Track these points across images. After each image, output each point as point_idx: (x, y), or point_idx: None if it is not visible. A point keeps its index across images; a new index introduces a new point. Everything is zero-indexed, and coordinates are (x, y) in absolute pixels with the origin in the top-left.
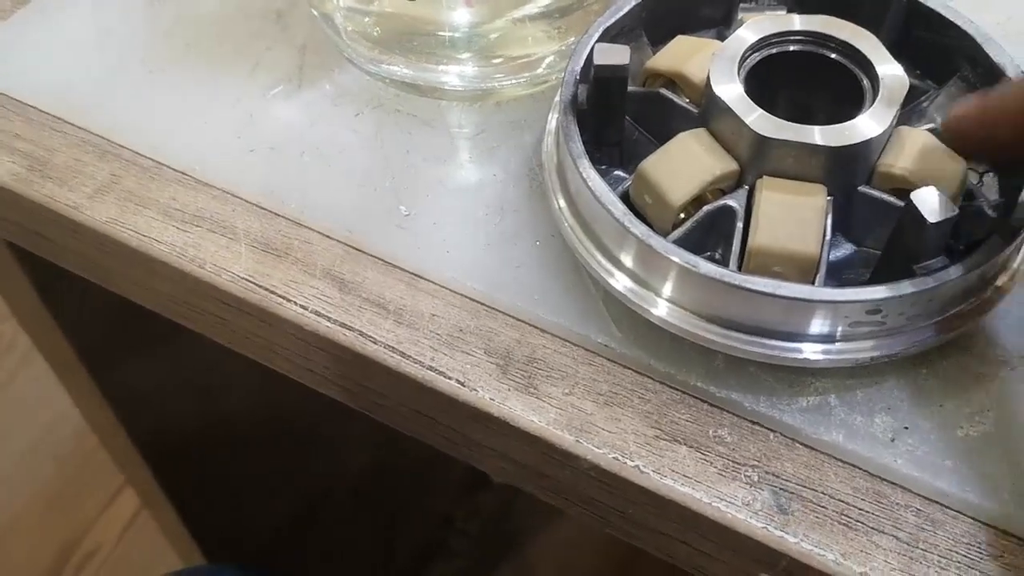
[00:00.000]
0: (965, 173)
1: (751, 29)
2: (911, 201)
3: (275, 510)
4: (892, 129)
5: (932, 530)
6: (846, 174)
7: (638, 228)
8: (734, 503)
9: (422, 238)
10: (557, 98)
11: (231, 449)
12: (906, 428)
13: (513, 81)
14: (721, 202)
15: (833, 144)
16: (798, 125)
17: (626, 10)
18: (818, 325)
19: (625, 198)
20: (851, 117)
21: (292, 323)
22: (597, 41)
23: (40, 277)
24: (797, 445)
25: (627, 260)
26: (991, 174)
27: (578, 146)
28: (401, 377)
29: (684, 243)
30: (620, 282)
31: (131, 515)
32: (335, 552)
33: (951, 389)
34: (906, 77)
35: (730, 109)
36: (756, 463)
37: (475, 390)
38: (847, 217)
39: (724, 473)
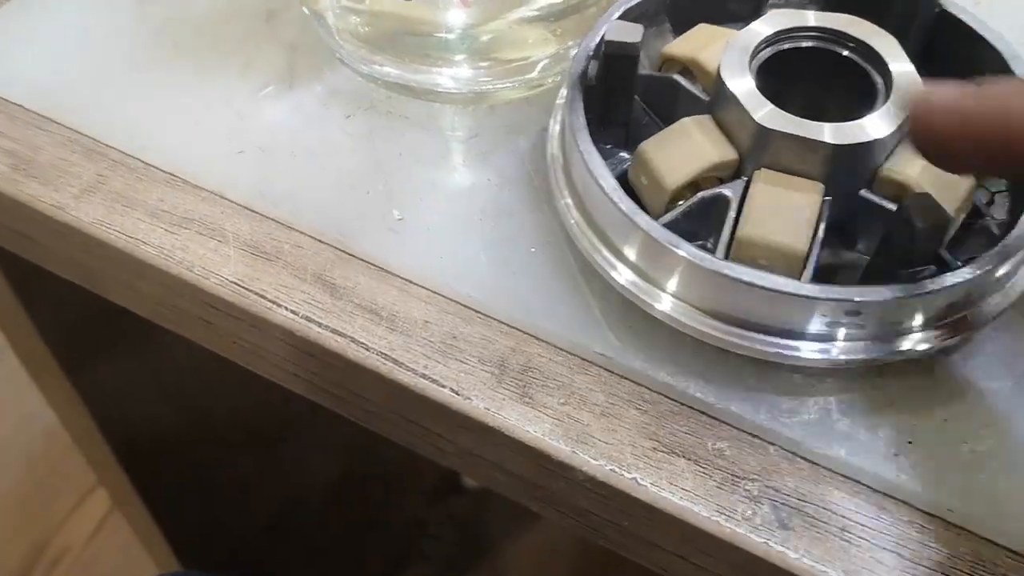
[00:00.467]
0: (972, 188)
1: (767, 22)
2: (904, 205)
3: (249, 513)
4: (902, 134)
5: (936, 547)
6: (847, 175)
7: (626, 204)
8: (733, 517)
9: (415, 243)
10: (558, 100)
11: (205, 451)
12: (909, 443)
13: (508, 84)
14: (716, 190)
15: (833, 141)
16: (801, 119)
17: None
18: (801, 322)
19: (625, 180)
20: (861, 116)
21: (282, 328)
22: (617, 19)
23: (16, 275)
24: (798, 459)
25: (619, 241)
26: (1005, 193)
27: (580, 119)
28: (394, 385)
29: (675, 227)
30: (622, 274)
31: (102, 516)
32: (308, 556)
33: (955, 403)
34: (919, 78)
35: (736, 99)
36: (756, 477)
37: (469, 399)
38: (846, 220)
39: (723, 487)
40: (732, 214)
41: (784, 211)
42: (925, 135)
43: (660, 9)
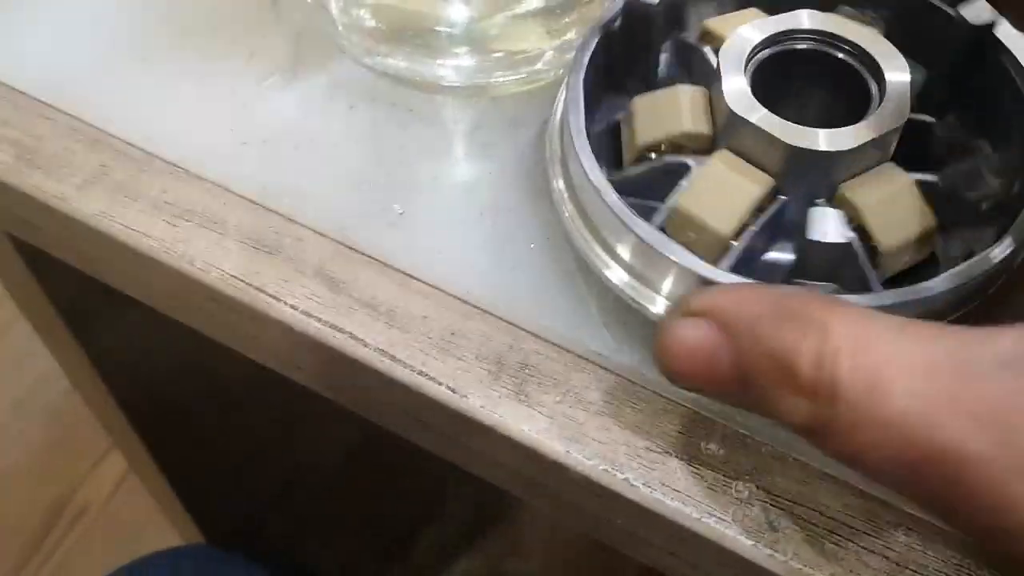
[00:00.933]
0: (932, 236)
1: (757, 27)
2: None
3: (264, 478)
4: (875, 151)
5: (922, 549)
6: (803, 181)
7: (618, 207)
8: (724, 519)
9: (415, 237)
10: (559, 95)
11: (219, 417)
12: None
13: (510, 77)
14: (680, 158)
15: (788, 141)
16: (768, 112)
17: None
18: None
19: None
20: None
21: (282, 323)
22: None
23: (28, 245)
24: (789, 459)
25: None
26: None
27: (579, 117)
28: (392, 382)
29: (633, 184)
30: (616, 274)
31: (122, 473)
32: (325, 519)
33: None
34: (908, 94)
35: (720, 78)
36: (747, 477)
37: (465, 396)
38: (798, 227)
39: (715, 487)
40: (684, 184)
41: (724, 193)
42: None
43: None
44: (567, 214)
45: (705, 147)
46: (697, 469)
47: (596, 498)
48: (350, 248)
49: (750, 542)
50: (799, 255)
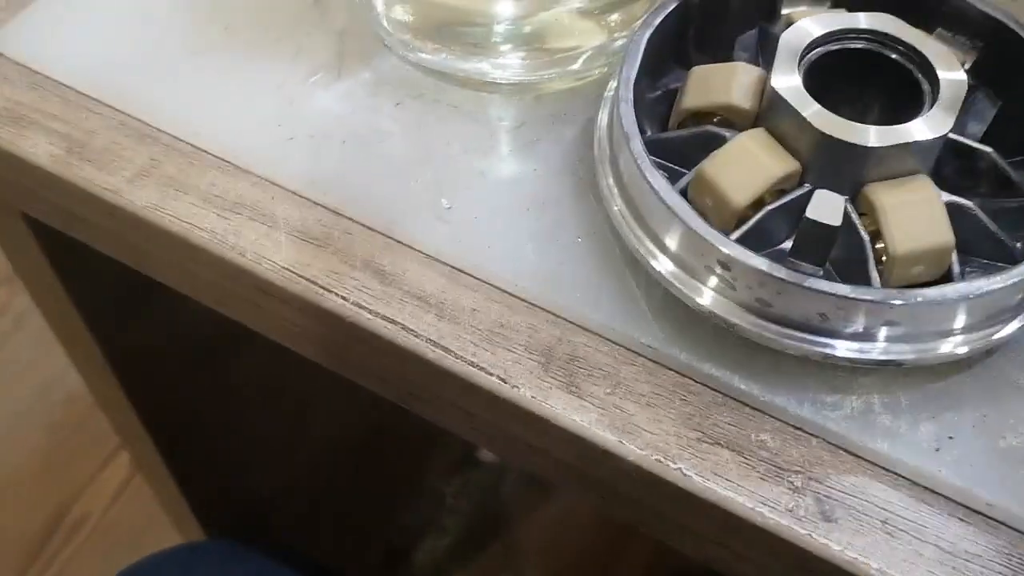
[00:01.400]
0: (948, 255)
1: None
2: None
3: (270, 480)
4: (903, 155)
5: (974, 540)
6: (830, 172)
7: (673, 201)
8: (777, 508)
9: (463, 232)
10: (607, 93)
11: (228, 418)
12: (951, 437)
13: (554, 74)
14: (719, 129)
15: (819, 127)
16: (808, 97)
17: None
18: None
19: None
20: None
21: (333, 314)
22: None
23: (51, 245)
24: (841, 451)
25: (662, 233)
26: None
27: (631, 116)
28: (442, 372)
29: (668, 146)
30: (664, 266)
31: (122, 481)
32: (326, 525)
33: (994, 399)
34: (963, 89)
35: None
36: (799, 469)
37: (516, 387)
38: None
39: (767, 478)
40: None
41: (747, 166)
42: None
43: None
44: (616, 208)
45: (748, 124)
46: (749, 460)
47: (648, 488)
48: (398, 241)
49: (804, 531)
50: (798, 234)
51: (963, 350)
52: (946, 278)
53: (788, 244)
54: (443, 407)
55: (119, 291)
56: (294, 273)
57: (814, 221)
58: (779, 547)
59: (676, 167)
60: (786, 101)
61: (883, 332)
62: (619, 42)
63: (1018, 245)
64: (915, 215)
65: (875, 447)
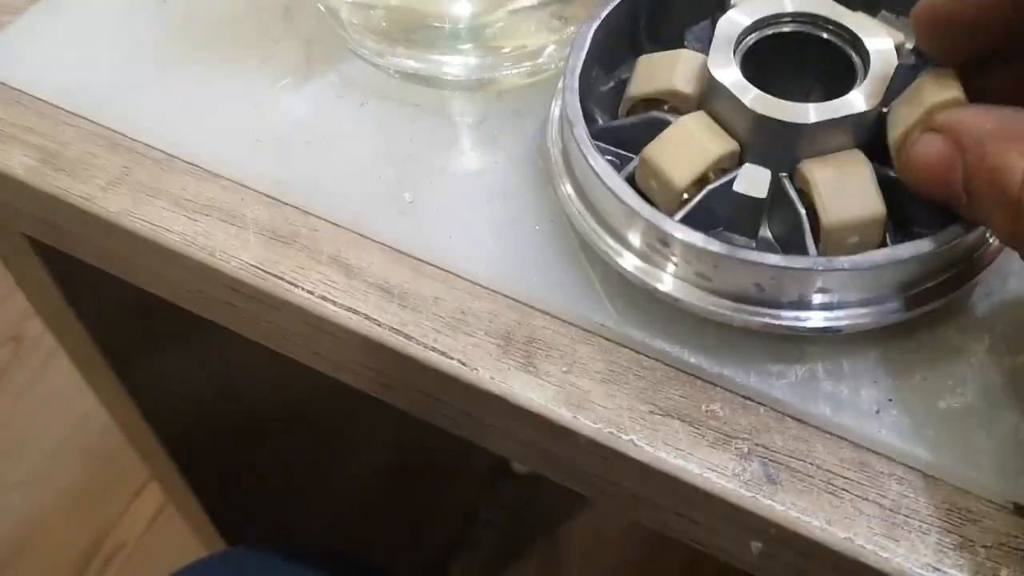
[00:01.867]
0: (882, 225)
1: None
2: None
3: (299, 502)
4: (833, 131)
5: (914, 496)
6: (767, 150)
7: (628, 196)
8: (724, 474)
9: (425, 224)
10: (560, 84)
11: (254, 441)
12: (890, 400)
13: (514, 71)
14: (663, 114)
15: (752, 108)
16: (740, 78)
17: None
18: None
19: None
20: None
21: (300, 308)
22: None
23: (60, 272)
24: (786, 418)
25: (618, 225)
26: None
27: (576, 109)
28: (405, 358)
29: (616, 133)
30: (623, 258)
31: (156, 511)
32: (360, 544)
33: (933, 362)
34: (892, 59)
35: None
36: (746, 436)
37: (476, 369)
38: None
39: (715, 446)
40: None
41: (687, 148)
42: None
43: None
44: (568, 195)
45: (692, 109)
46: (699, 429)
47: (603, 461)
48: (363, 236)
49: (749, 494)
50: (729, 207)
51: (898, 316)
52: (881, 247)
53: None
54: (411, 394)
55: (131, 316)
56: (262, 270)
57: (741, 194)
58: (728, 511)
59: (626, 153)
60: (722, 85)
61: (818, 300)
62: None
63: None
64: (847, 188)
65: (818, 412)
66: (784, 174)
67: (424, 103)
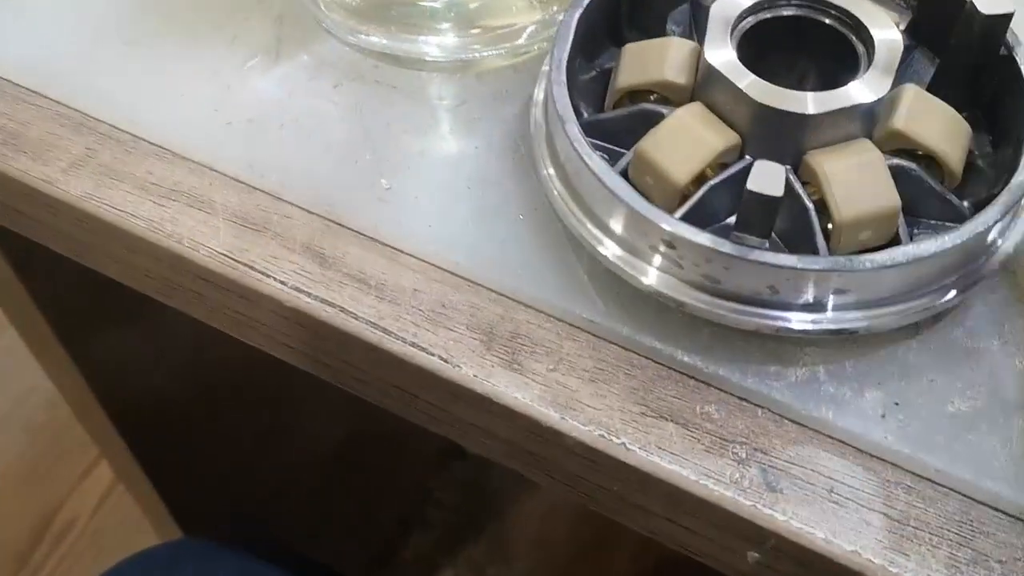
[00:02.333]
0: (895, 218)
1: None
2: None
3: (251, 482)
4: (842, 121)
5: (923, 507)
6: (770, 142)
7: (611, 180)
8: (722, 481)
9: (403, 212)
10: (544, 67)
11: (206, 420)
12: (896, 404)
13: (494, 52)
14: (656, 106)
15: (755, 97)
16: (741, 67)
17: None
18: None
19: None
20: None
21: (272, 299)
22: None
23: (13, 249)
24: (786, 421)
25: (603, 214)
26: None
27: (563, 92)
28: (383, 354)
29: (606, 127)
30: (607, 248)
31: (107, 486)
32: (311, 524)
33: (942, 364)
34: (899, 49)
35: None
36: (744, 440)
37: (458, 366)
38: None
39: (711, 450)
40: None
41: (687, 142)
42: None
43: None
44: (555, 190)
45: (684, 99)
46: (693, 432)
47: (592, 465)
48: (338, 224)
49: (749, 502)
50: (741, 206)
51: (917, 316)
52: (894, 242)
53: (733, 219)
54: (387, 390)
55: (84, 294)
56: (232, 259)
57: (755, 193)
58: (725, 519)
59: (614, 147)
60: (721, 74)
61: (835, 301)
62: (560, 17)
63: (965, 203)
64: (859, 180)
65: (820, 415)
66: (787, 167)
67: (401, 85)
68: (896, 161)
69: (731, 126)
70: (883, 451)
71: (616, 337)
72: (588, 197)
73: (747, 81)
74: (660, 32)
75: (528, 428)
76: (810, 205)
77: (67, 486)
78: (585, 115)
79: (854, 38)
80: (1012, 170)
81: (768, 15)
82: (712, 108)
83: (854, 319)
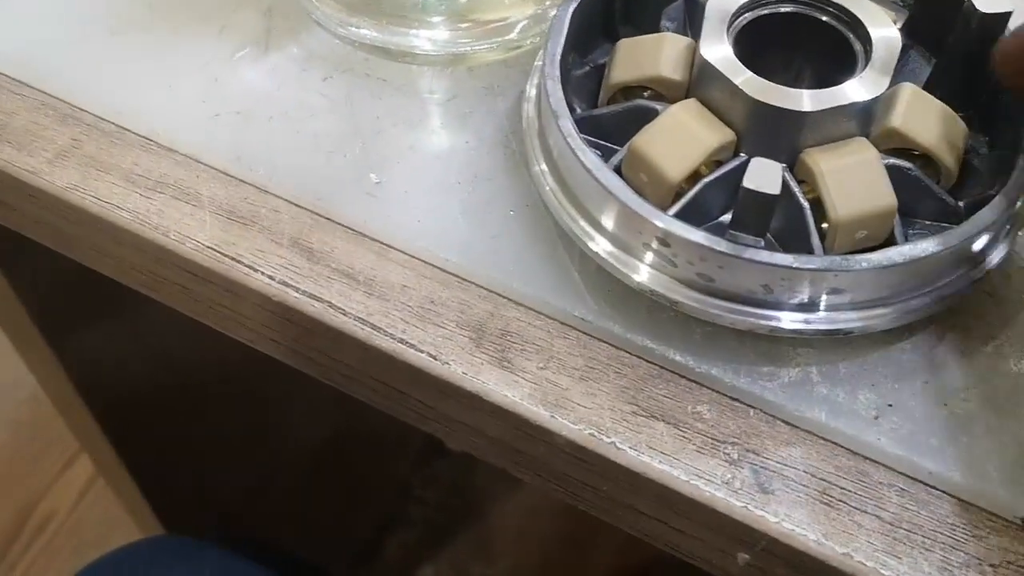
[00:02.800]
0: (891, 217)
1: None
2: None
3: (233, 478)
4: (838, 119)
5: (916, 510)
6: (765, 139)
7: (604, 176)
8: (713, 481)
9: (393, 207)
10: (536, 62)
11: (188, 417)
12: (890, 405)
13: (486, 46)
14: (650, 103)
15: (751, 94)
16: (738, 64)
17: None
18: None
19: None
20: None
21: (259, 293)
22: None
23: None
24: (778, 422)
25: (595, 211)
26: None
27: (557, 87)
28: (371, 350)
29: (600, 122)
30: (598, 244)
31: (87, 480)
32: (293, 521)
33: (936, 365)
34: (897, 48)
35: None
36: (736, 440)
37: (447, 364)
38: None
39: (703, 450)
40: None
41: (680, 139)
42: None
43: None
44: (547, 186)
45: (679, 95)
46: (685, 432)
47: (582, 464)
48: (326, 218)
49: (741, 503)
50: (736, 205)
51: (912, 317)
52: (889, 241)
53: (727, 217)
54: (375, 387)
55: (68, 288)
56: (219, 252)
57: (752, 191)
58: (716, 520)
59: (608, 144)
60: (716, 70)
61: (829, 301)
62: (552, 11)
63: (960, 203)
64: (855, 179)
65: (813, 416)
66: (783, 164)
67: (391, 78)
68: (892, 160)
69: (726, 123)
70: (876, 453)
71: (607, 335)
72: (581, 193)
73: (743, 78)
74: (654, 28)
75: (517, 426)
76: (805, 204)
77: (48, 479)
78: (578, 111)
79: (851, 36)
80: (1008, 171)
81: (765, 11)
82: (707, 105)
83: (848, 319)
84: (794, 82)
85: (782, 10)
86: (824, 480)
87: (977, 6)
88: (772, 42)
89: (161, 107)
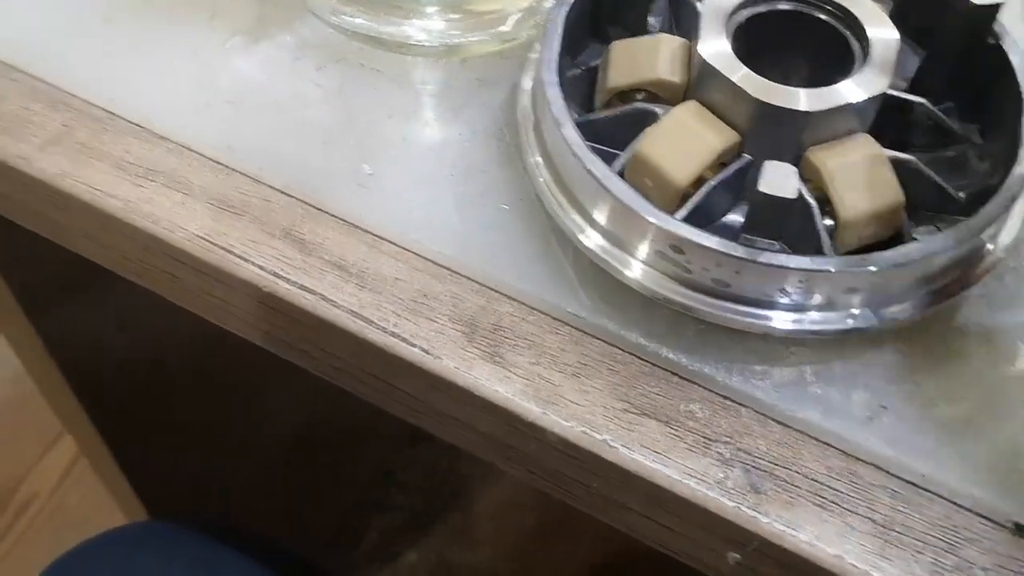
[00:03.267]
0: (899, 213)
1: None
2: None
3: (215, 462)
4: (843, 117)
5: (908, 512)
6: (769, 140)
7: (598, 169)
8: (705, 481)
9: (385, 198)
10: (532, 55)
11: (171, 400)
12: (883, 407)
13: (480, 37)
14: (649, 106)
15: (755, 95)
16: (739, 64)
17: None
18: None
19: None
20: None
21: (250, 284)
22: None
23: None
24: (770, 422)
25: (589, 205)
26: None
27: (553, 77)
28: (363, 343)
29: (599, 127)
30: (591, 238)
31: (69, 462)
32: (274, 505)
33: (930, 367)
34: (895, 46)
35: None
36: (728, 439)
37: (439, 358)
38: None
39: (695, 449)
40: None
41: (685, 142)
42: None
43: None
44: (544, 185)
45: (678, 98)
46: (677, 431)
47: (573, 461)
48: (319, 209)
49: (732, 504)
50: (750, 208)
51: (908, 317)
52: (896, 237)
53: (731, 217)
54: (366, 379)
55: (52, 269)
56: (209, 242)
57: (769, 195)
58: (707, 520)
59: (607, 148)
60: (717, 70)
61: (845, 300)
62: (547, 3)
63: (961, 195)
64: (863, 176)
65: (806, 416)
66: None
67: (385, 69)
68: (894, 154)
69: (729, 124)
70: (869, 454)
71: (600, 332)
72: (579, 192)
73: (741, 74)
74: (641, 27)
75: (509, 422)
76: (813, 203)
77: (29, 461)
78: (575, 115)
79: (849, 34)
80: (1008, 162)
81: (763, 9)
82: (708, 106)
83: (843, 319)
84: (790, 80)
85: (780, 8)
86: (816, 481)
87: None
88: (771, 41)
89: (152, 94)
